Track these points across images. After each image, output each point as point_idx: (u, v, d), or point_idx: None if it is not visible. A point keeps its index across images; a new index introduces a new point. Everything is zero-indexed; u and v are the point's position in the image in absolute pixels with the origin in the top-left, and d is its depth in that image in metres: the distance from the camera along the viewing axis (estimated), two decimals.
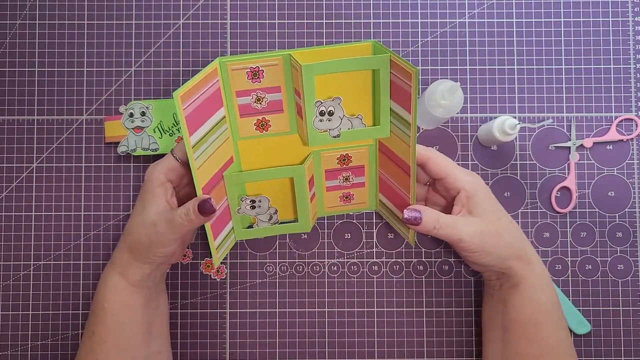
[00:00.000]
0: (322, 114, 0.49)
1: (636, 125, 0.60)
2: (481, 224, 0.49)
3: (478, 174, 0.59)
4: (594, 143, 0.60)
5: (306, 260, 0.59)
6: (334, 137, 0.50)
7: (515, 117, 0.60)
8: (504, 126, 0.54)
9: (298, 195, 0.52)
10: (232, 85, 0.50)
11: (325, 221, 0.59)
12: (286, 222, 0.56)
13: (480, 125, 0.59)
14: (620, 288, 0.59)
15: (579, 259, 0.59)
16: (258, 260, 0.59)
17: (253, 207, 0.53)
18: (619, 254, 0.59)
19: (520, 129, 0.54)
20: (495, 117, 0.57)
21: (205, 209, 0.47)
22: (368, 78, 0.49)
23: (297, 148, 0.53)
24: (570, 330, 0.58)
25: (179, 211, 0.47)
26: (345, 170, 0.55)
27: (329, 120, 0.49)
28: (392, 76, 0.48)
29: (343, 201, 0.57)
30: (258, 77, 0.49)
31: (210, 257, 0.59)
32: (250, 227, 0.56)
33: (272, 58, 0.49)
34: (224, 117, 0.51)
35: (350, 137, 0.50)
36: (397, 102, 0.48)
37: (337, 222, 0.60)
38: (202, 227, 0.59)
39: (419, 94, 0.59)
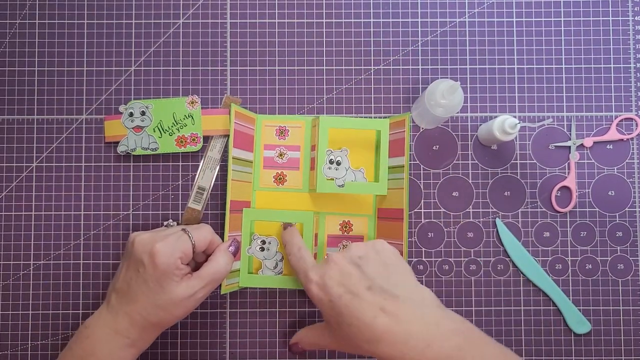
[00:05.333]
0: (331, 162, 0.57)
1: (636, 125, 0.60)
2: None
3: (478, 173, 0.59)
4: (594, 142, 0.60)
5: None
6: (339, 186, 0.55)
7: (515, 117, 0.59)
8: (504, 125, 0.53)
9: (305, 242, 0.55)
10: (262, 139, 0.59)
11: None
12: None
13: (481, 124, 0.59)
14: (620, 287, 0.59)
15: (579, 258, 0.59)
16: None
17: (262, 249, 0.57)
18: (619, 254, 0.59)
19: (520, 128, 0.54)
20: (495, 117, 0.57)
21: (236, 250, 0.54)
22: (372, 137, 0.59)
23: (306, 206, 0.59)
24: (571, 330, 0.58)
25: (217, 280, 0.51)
26: (346, 238, 0.59)
27: (336, 170, 0.57)
28: (391, 136, 0.56)
29: None
30: (284, 135, 0.59)
31: None
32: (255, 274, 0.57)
33: (298, 121, 0.59)
34: (252, 162, 0.58)
35: (352, 189, 0.56)
36: (395, 154, 0.56)
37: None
38: None
39: (419, 95, 0.59)
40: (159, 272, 0.47)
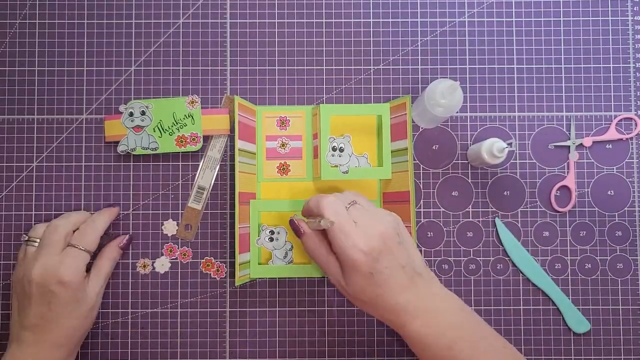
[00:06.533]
0: (334, 149, 0.56)
1: (635, 125, 0.60)
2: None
3: (478, 173, 0.59)
4: (593, 142, 0.60)
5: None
6: (344, 172, 0.56)
7: (514, 116, 0.60)
8: (492, 149, 0.53)
9: None
10: (264, 130, 0.59)
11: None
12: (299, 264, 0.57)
13: (471, 145, 0.59)
14: (619, 287, 0.59)
15: (578, 258, 0.59)
16: None
17: (271, 240, 0.57)
18: (618, 253, 0.59)
19: (508, 152, 0.54)
20: (486, 134, 0.57)
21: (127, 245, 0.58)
22: (373, 122, 0.59)
23: (311, 194, 0.58)
24: (570, 330, 0.58)
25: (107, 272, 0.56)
26: None
27: (340, 156, 0.56)
28: (392, 120, 0.57)
29: None
30: (285, 125, 0.59)
31: (208, 256, 0.59)
32: (265, 264, 0.57)
33: (298, 111, 0.59)
34: (255, 153, 0.58)
35: (357, 174, 0.56)
36: (397, 138, 0.56)
37: None
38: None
39: (419, 94, 0.59)
40: (72, 291, 0.52)
